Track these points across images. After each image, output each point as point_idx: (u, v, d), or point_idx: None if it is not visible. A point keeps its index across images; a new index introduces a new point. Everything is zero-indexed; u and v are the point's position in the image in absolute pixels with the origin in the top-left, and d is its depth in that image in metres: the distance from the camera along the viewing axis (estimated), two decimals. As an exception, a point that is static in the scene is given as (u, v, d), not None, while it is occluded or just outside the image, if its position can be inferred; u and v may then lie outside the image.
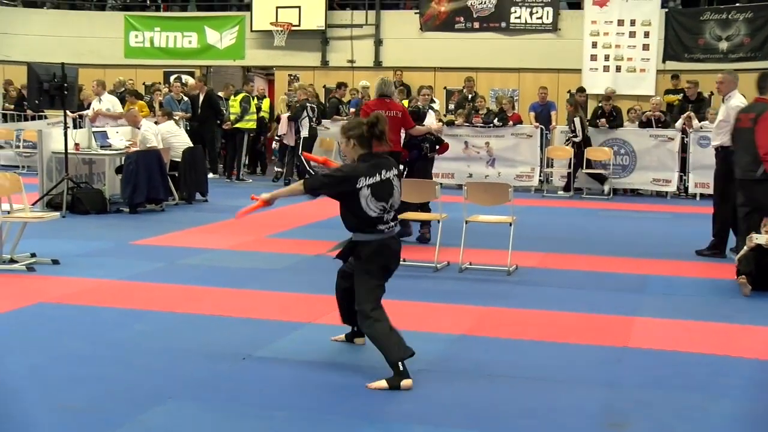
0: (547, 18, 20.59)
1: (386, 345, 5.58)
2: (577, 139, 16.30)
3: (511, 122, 17.04)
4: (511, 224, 9.17)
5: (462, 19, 21.02)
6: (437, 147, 11.52)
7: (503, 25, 20.82)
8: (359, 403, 5.22)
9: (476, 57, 20.67)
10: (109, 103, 16.59)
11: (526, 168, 17.01)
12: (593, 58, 20.08)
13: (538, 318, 7.35)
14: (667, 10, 20.03)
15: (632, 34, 19.82)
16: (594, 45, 20.05)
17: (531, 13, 20.67)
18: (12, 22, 20.67)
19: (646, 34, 19.76)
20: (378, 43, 21.86)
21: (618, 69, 19.93)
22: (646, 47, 19.78)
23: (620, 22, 19.86)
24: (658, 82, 19.66)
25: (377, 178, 5.72)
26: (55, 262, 8.99)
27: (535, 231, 11.49)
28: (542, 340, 6.67)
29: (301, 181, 5.86)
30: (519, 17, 20.74)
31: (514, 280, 8.82)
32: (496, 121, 17.08)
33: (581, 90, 17.91)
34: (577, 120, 16.31)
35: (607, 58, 19.98)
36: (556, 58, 20.24)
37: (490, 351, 6.38)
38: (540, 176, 17.00)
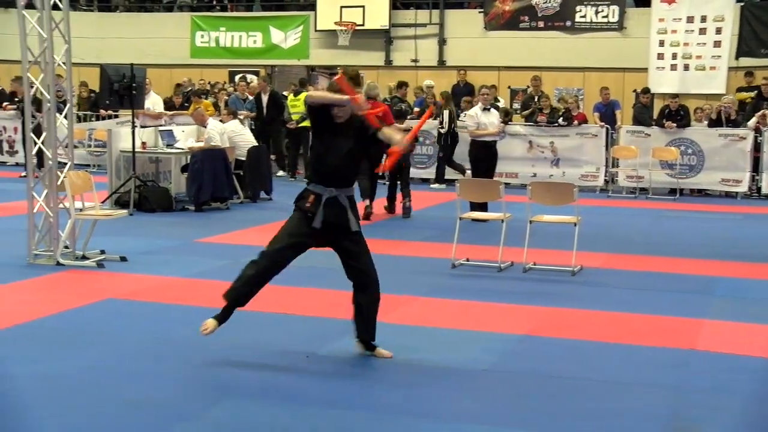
0: (613, 16, 20.35)
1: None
2: (443, 130, 16.09)
3: (576, 122, 16.86)
4: (575, 224, 9.08)
5: (526, 18, 20.88)
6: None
7: (568, 24, 20.64)
8: (420, 402, 5.21)
9: (540, 56, 20.52)
10: (150, 102, 16.81)
11: (591, 168, 16.82)
12: (660, 56, 19.76)
13: (602, 319, 7.26)
14: (742, 4, 19.53)
15: (702, 31, 19.44)
16: (661, 43, 19.74)
17: (596, 12, 20.46)
18: (87, 26, 21.05)
19: (718, 30, 19.34)
20: (442, 42, 21.82)
21: (686, 67, 19.59)
22: (717, 44, 19.38)
23: (690, 19, 19.50)
24: (730, 80, 19.25)
25: None
26: (123, 259, 9.13)
27: (600, 231, 11.35)
28: (607, 341, 6.59)
29: None
30: (584, 16, 20.54)
31: (579, 281, 8.73)
32: (560, 120, 16.93)
33: (646, 90, 17.64)
34: (446, 113, 16.08)
35: (674, 56, 19.65)
36: (621, 57, 19.98)
37: (553, 352, 6.32)
38: (605, 176, 16.80)
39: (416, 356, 6.10)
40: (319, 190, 5.82)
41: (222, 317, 5.83)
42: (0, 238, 10.29)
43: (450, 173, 16.70)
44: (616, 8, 20.30)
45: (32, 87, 9.03)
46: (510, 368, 5.91)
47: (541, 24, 20.81)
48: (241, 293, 5.84)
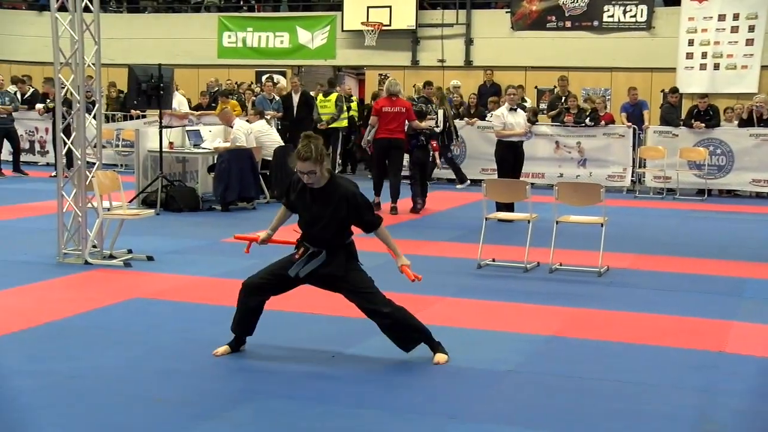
0: (641, 16, 20.23)
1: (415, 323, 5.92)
2: (438, 130, 15.74)
3: (602, 122, 16.78)
4: (602, 225, 9.03)
5: (553, 18, 20.81)
6: (431, 140, 13.95)
7: (595, 23, 20.55)
8: (449, 403, 5.20)
9: (567, 56, 20.45)
10: (176, 102, 16.91)
11: (617, 168, 16.73)
12: (689, 56, 19.63)
13: (629, 320, 7.22)
14: (777, 0, 19.33)
15: (734, 29, 19.25)
16: (690, 42, 19.60)
17: (624, 11, 20.35)
18: (116, 27, 21.22)
19: (751, 28, 19.14)
20: (468, 42, 21.79)
21: (716, 67, 19.43)
22: (749, 42, 19.17)
23: (721, 17, 19.33)
24: (762, 79, 19.07)
25: None
26: (150, 258, 9.18)
27: (627, 232, 11.30)
28: (634, 342, 6.55)
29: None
30: (612, 15, 20.44)
31: (606, 282, 8.68)
32: (587, 120, 16.85)
33: (674, 90, 17.51)
34: (440, 112, 16.00)
35: (704, 55, 19.50)
36: (649, 57, 19.87)
37: (579, 353, 6.29)
38: (632, 177, 16.70)
39: (442, 357, 6.08)
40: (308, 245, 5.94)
41: (234, 345, 6.04)
42: (31, 237, 10.39)
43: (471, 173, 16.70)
44: (644, 8, 20.18)
45: (63, 88, 9.12)
46: (536, 369, 5.89)
47: (568, 24, 20.73)
48: (234, 322, 6.06)
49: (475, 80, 20.48)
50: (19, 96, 18.57)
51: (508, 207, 10.76)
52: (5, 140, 17.45)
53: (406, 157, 13.99)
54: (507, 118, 12.30)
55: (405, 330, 5.89)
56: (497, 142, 12.64)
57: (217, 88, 19.66)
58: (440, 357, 5.88)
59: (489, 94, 18.92)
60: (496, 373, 5.76)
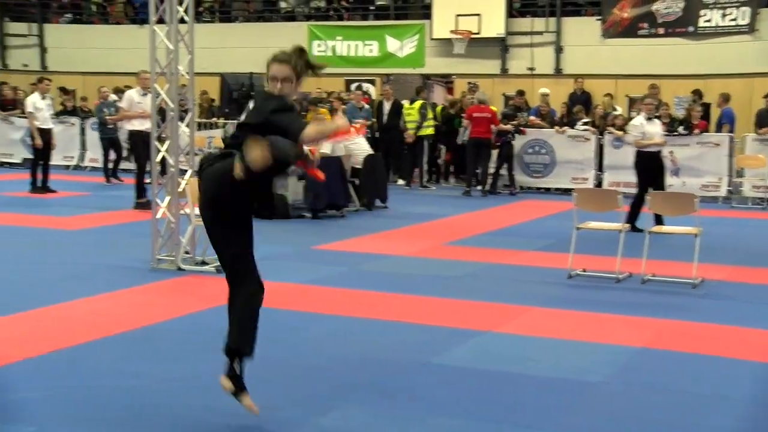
0: (743, 19, 19.64)
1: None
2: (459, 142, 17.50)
3: (696, 130, 16.42)
4: (696, 235, 8.83)
5: (646, 24, 20.44)
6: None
7: (690, 29, 20.10)
8: (534, 414, 5.14)
9: (659, 63, 20.04)
10: None
11: (712, 178, 16.35)
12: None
13: (724, 333, 7.04)
14: None
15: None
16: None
17: (723, 15, 19.81)
18: (208, 37, 21.58)
19: None
20: (558, 50, 21.59)
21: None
22: None
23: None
24: None
25: None
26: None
27: (723, 243, 11.02)
28: (728, 356, 6.38)
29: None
30: (709, 20, 19.94)
31: (700, 294, 8.48)
32: (680, 129, 16.51)
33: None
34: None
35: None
36: (750, 62, 19.28)
37: (672, 366, 6.15)
38: (728, 186, 16.29)
39: (531, 367, 6.03)
40: None
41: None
42: (127, 242, 10.63)
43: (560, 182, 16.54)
44: (747, 10, 19.55)
45: (158, 97, 9.33)
46: (627, 381, 5.78)
47: (661, 30, 20.31)
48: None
49: (565, 88, 20.26)
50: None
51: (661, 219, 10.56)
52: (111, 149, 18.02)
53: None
54: (645, 128, 12.02)
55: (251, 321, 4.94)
56: (636, 153, 12.24)
57: (303, 97, 19.82)
58: (225, 381, 4.84)
59: (579, 102, 18.75)
60: (586, 384, 5.68)
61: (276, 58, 4.83)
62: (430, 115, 18.35)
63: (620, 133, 16.73)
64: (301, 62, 4.78)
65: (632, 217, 11.39)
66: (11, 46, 26.27)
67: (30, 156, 16.94)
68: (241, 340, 4.79)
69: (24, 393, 5.28)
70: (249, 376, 4.82)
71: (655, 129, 12.09)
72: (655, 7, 20.28)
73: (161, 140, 9.46)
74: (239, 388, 4.78)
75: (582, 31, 21.37)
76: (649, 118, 12.11)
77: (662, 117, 16.78)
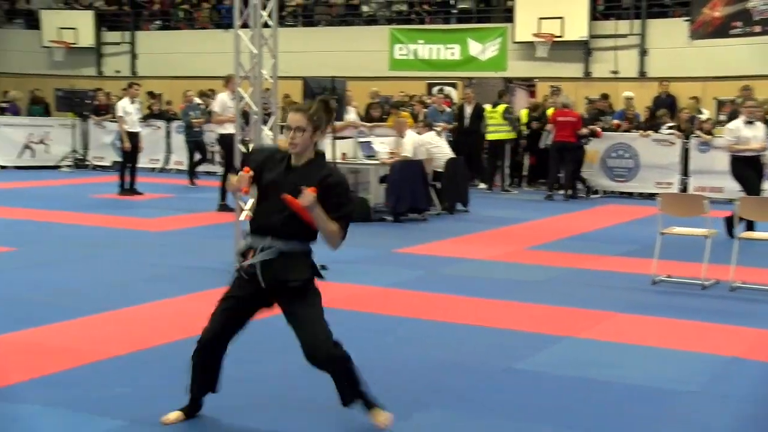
0: None
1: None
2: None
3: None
4: (789, 242, 8.58)
5: (739, 23, 19.77)
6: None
7: (790, 26, 19.29)
8: (622, 424, 5.05)
9: (753, 64, 19.39)
10: (354, 113, 17.18)
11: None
12: None
13: (819, 344, 6.82)
14: None
15: None
16: None
17: (836, 6, 18.90)
18: (291, 41, 21.84)
19: None
20: (643, 53, 21.22)
21: None
22: None
23: None
24: None
25: None
26: (323, 267, 9.30)
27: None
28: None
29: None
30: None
31: (794, 302, 8.24)
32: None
33: None
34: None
35: None
36: None
37: (766, 377, 5.99)
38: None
39: (616, 374, 5.92)
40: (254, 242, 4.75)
41: (188, 410, 4.94)
42: (210, 244, 10.79)
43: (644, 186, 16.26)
44: None
45: (241, 100, 9.46)
46: (719, 392, 5.63)
47: (757, 29, 19.57)
48: (190, 383, 4.93)
49: (649, 92, 19.90)
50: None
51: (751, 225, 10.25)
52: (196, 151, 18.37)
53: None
54: (742, 132, 11.70)
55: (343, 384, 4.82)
56: (731, 159, 11.95)
57: (378, 100, 19.91)
58: (380, 415, 4.81)
59: (664, 106, 18.41)
60: (676, 393, 5.55)
61: (293, 106, 4.79)
62: (524, 120, 18.34)
63: (708, 137, 16.39)
64: (320, 115, 4.59)
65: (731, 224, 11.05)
66: (106, 54, 27.01)
67: (119, 159, 17.37)
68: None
69: (115, 389, 5.41)
70: (320, 376, 4.83)
71: (755, 133, 11.72)
72: (751, 4, 19.60)
73: (245, 143, 9.58)
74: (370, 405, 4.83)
75: (668, 33, 20.94)
76: (749, 122, 11.79)
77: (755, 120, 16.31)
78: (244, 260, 4.73)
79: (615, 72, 21.41)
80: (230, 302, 4.83)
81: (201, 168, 18.82)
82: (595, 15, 21.76)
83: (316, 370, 4.73)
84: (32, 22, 27.56)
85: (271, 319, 5.07)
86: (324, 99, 4.82)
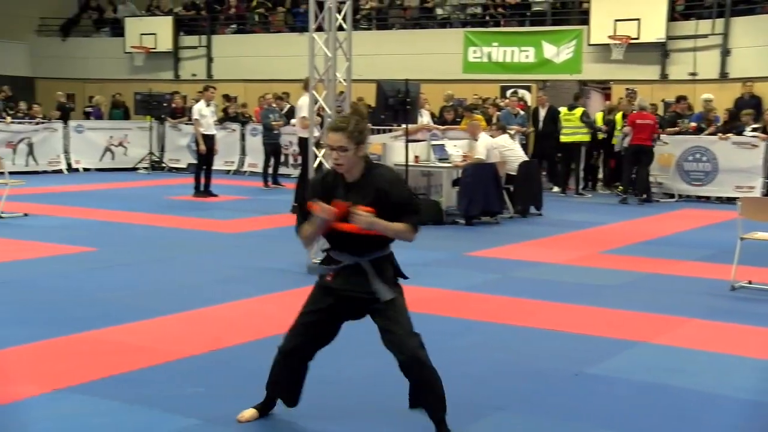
0: None
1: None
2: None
3: None
4: None
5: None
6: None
7: None
8: (693, 431, 4.95)
9: None
10: (427, 116, 17.18)
11: None
12: None
13: None
14: None
15: None
16: None
17: None
18: (365, 44, 21.96)
19: None
20: (725, 53, 20.71)
21: None
22: None
23: None
24: None
25: None
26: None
27: None
28: None
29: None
30: None
31: None
32: None
33: None
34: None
35: None
36: None
37: None
38: None
39: (692, 380, 5.81)
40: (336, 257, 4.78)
41: (262, 407, 5.01)
42: (283, 245, 10.86)
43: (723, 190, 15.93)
44: None
45: (316, 103, 9.53)
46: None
47: None
48: (268, 382, 5.00)
49: (730, 93, 19.42)
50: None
51: None
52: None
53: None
54: None
55: (432, 391, 4.76)
56: None
57: (452, 102, 19.86)
58: None
59: (747, 107, 17.97)
60: (756, 404, 5.42)
61: (331, 125, 4.63)
62: (599, 123, 18.17)
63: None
64: (360, 128, 4.50)
65: None
66: (184, 57, 27.52)
67: (194, 161, 17.64)
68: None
69: (188, 388, 5.48)
70: (402, 381, 4.83)
71: None
72: None
73: (319, 146, 9.65)
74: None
75: (753, 31, 20.28)
76: None
77: None
78: (326, 273, 4.82)
79: (693, 74, 20.97)
80: (314, 316, 4.91)
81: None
82: (674, 15, 21.36)
83: (395, 376, 4.71)
84: (117, 30, 28.33)
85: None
86: (356, 109, 4.78)
